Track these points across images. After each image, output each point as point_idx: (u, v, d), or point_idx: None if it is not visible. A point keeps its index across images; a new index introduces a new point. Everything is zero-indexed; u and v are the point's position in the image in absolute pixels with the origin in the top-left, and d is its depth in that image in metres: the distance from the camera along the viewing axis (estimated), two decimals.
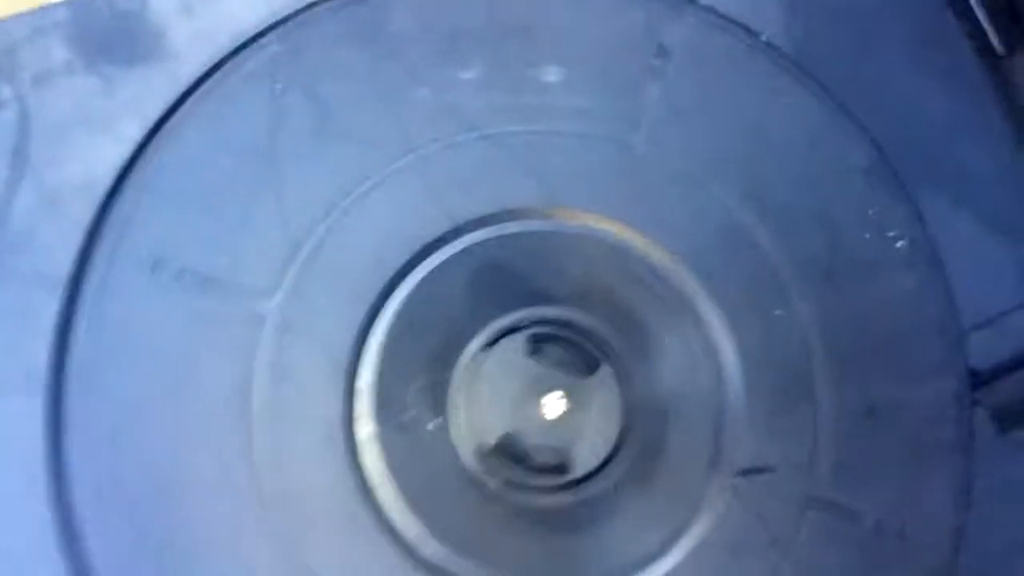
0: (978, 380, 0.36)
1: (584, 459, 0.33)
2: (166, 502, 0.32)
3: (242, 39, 0.34)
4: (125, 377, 0.33)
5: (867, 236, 0.36)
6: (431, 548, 0.33)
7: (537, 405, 0.33)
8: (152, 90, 0.34)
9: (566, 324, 0.35)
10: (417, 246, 0.33)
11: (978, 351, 0.36)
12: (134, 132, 0.33)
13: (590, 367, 0.34)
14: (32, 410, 0.32)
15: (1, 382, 0.32)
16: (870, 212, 0.36)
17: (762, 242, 0.35)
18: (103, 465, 0.32)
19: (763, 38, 0.37)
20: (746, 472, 0.34)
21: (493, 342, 0.34)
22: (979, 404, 0.36)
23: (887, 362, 0.36)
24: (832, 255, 0.36)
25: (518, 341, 0.34)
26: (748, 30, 0.37)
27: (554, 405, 0.33)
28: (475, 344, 0.34)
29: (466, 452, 0.34)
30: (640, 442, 0.34)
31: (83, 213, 0.33)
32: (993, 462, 0.37)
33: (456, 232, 0.34)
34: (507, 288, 0.35)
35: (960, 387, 0.36)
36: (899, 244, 0.36)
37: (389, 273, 0.33)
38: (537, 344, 0.34)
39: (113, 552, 0.31)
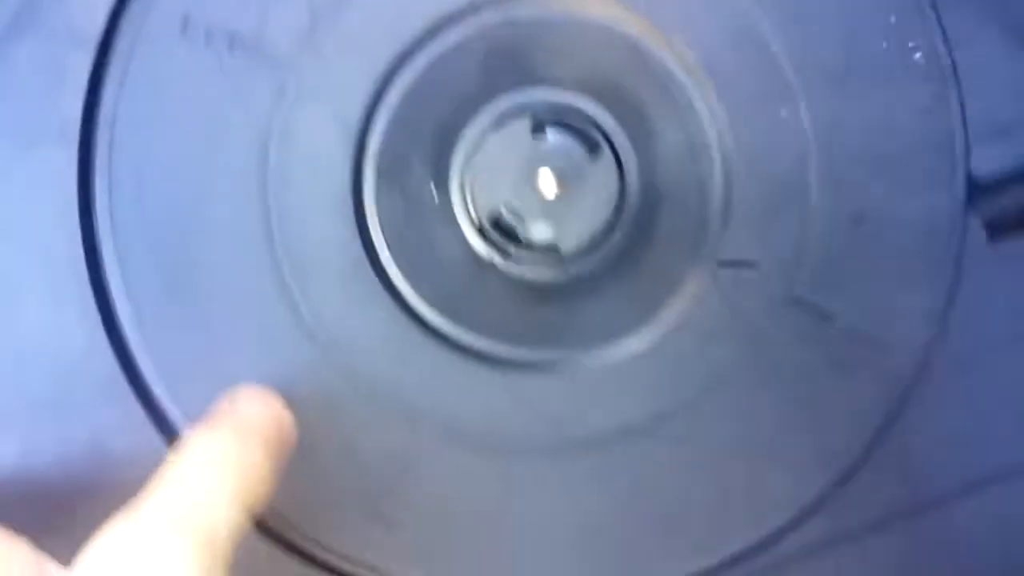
0: (975, 188, 0.37)
1: (576, 238, 0.35)
2: (186, 248, 0.34)
3: None
4: (153, 132, 0.34)
5: (885, 45, 0.36)
6: (427, 310, 0.35)
7: (535, 183, 0.34)
8: None
9: (571, 109, 0.35)
10: (433, 21, 0.34)
11: (980, 161, 0.37)
12: None
13: (591, 151, 0.35)
14: (64, 160, 0.34)
15: (35, 133, 0.34)
16: (891, 20, 0.36)
17: (775, 43, 0.35)
18: (129, 212, 0.34)
19: None
20: (728, 264, 0.36)
21: (499, 121, 0.35)
22: (972, 211, 0.37)
23: (885, 172, 0.36)
24: (846, 62, 0.36)
25: (523, 121, 0.35)
26: None
27: (552, 183, 0.34)
28: (481, 121, 0.35)
29: (465, 224, 0.35)
30: (631, 226, 0.36)
31: None
32: (979, 270, 0.37)
33: (474, 8, 0.34)
34: (518, 70, 0.35)
35: (955, 204, 0.36)
36: (917, 56, 0.36)
37: (403, 45, 0.34)
38: (541, 126, 0.35)
39: (134, 290, 0.34)
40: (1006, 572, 0.38)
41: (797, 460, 0.37)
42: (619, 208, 0.35)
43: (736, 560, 0.37)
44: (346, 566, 0.34)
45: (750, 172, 0.36)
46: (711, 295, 0.36)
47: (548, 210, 0.35)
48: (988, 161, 0.37)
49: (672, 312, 0.35)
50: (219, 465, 0.26)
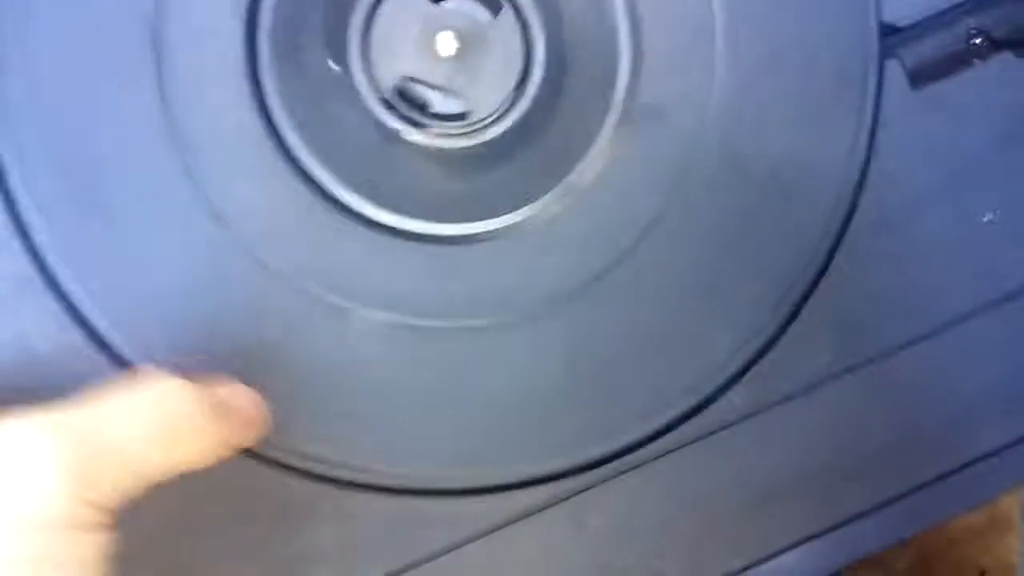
0: (893, 34, 0.35)
1: (485, 102, 0.34)
2: (83, 136, 0.34)
3: None
4: (39, 16, 0.33)
5: None
6: (337, 188, 0.34)
7: (437, 49, 0.33)
8: None
9: None
10: None
11: (896, 7, 0.35)
12: None
13: (493, 11, 0.34)
14: None
15: None
16: None
17: None
18: (21, 103, 0.33)
19: None
20: (641, 115, 0.35)
21: None
22: (895, 57, 0.36)
23: (797, 9, 0.35)
24: None
25: None
26: None
27: (454, 48, 0.33)
28: None
29: (369, 97, 0.34)
30: (541, 86, 0.34)
31: None
32: (903, 115, 0.36)
33: None
34: None
35: (870, 43, 0.35)
36: None
37: None
38: None
39: (34, 184, 0.33)
40: (940, 425, 0.38)
41: (727, 319, 0.37)
42: (527, 67, 0.34)
43: (670, 427, 0.37)
44: (275, 453, 0.35)
45: (656, 19, 0.34)
46: (626, 148, 0.35)
47: (454, 76, 0.34)
48: (905, 7, 0.36)
49: (589, 169, 0.35)
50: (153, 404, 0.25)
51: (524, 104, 0.34)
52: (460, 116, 0.35)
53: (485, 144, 0.35)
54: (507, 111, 0.35)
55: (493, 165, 0.36)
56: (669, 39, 0.34)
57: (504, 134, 0.35)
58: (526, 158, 0.35)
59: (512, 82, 0.34)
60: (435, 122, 0.35)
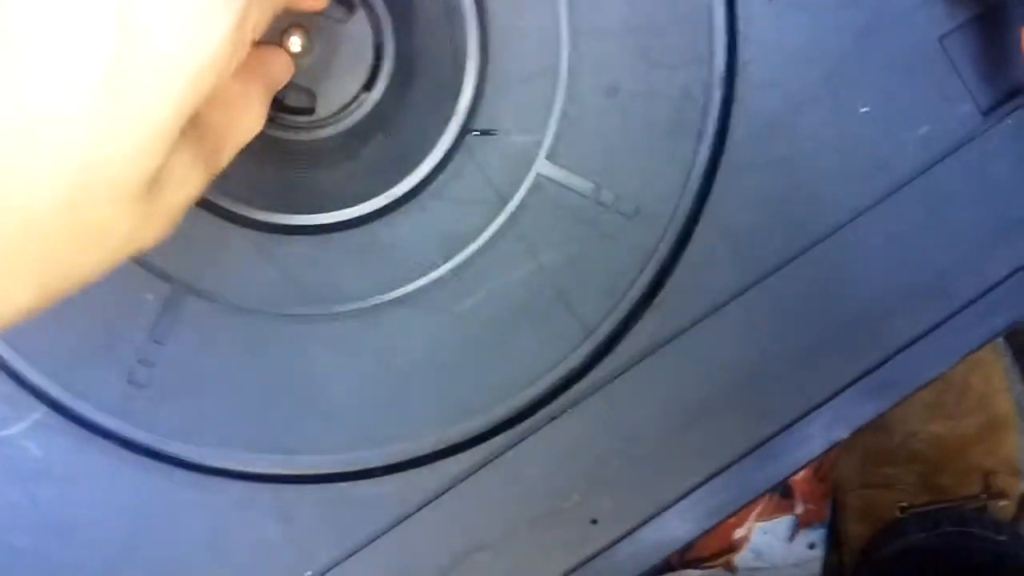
0: None
1: (331, 99, 0.34)
2: None
3: None
4: None
5: None
6: None
7: (288, 45, 0.34)
8: None
9: None
10: None
11: None
12: None
13: (347, 10, 0.34)
14: None
15: None
16: None
17: None
18: None
19: None
20: (480, 132, 0.35)
21: None
22: None
23: (638, 44, 0.35)
24: None
25: None
26: None
27: (301, 40, 0.34)
28: None
29: None
30: (386, 91, 0.35)
31: None
32: (763, 24, 0.37)
33: None
34: None
35: (708, 79, 0.35)
36: None
37: None
38: None
39: None
40: (852, 323, 0.38)
41: (614, 257, 0.37)
42: (375, 69, 0.35)
43: (588, 367, 0.38)
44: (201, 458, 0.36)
45: (504, 40, 0.35)
46: (463, 162, 0.36)
47: (304, 72, 0.35)
48: None
49: (428, 179, 0.35)
50: None
51: (370, 105, 0.35)
52: (308, 111, 0.35)
53: (330, 140, 0.35)
54: (353, 109, 0.35)
55: (336, 161, 0.36)
56: (516, 63, 0.35)
57: (349, 132, 0.35)
58: (365, 159, 0.36)
59: (360, 81, 0.35)
60: (283, 115, 0.35)
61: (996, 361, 0.81)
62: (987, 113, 0.38)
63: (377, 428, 0.36)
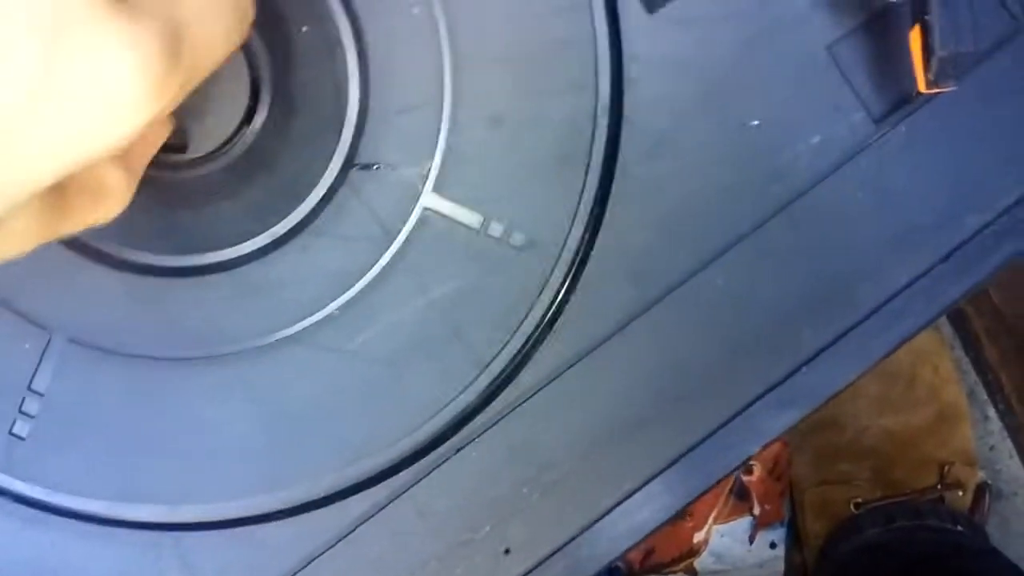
0: None
1: (206, 137, 0.34)
2: None
3: None
4: None
5: None
6: None
7: None
8: None
9: None
10: None
11: None
12: None
13: None
14: None
15: None
16: None
17: None
18: None
19: None
20: (363, 166, 0.35)
21: None
22: None
23: (520, 73, 0.35)
24: None
25: None
26: None
27: None
28: None
29: None
30: (265, 126, 0.34)
31: None
32: (647, 41, 0.36)
33: None
34: None
35: (594, 104, 0.35)
36: None
37: None
38: None
39: None
40: (759, 335, 0.38)
41: (509, 285, 0.37)
42: (253, 105, 0.34)
43: (493, 395, 0.37)
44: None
45: (385, 73, 0.34)
46: (349, 198, 0.35)
47: (179, 108, 0.34)
48: None
49: (311, 216, 0.35)
50: None
51: (248, 141, 0.34)
52: (180, 148, 0.34)
53: (206, 179, 0.35)
54: (230, 146, 0.34)
55: (217, 199, 0.35)
56: (398, 95, 0.35)
57: (227, 170, 0.34)
58: (251, 195, 0.35)
59: (236, 117, 0.34)
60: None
61: (944, 352, 0.81)
62: (879, 121, 0.37)
63: (274, 471, 0.36)
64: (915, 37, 0.35)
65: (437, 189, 0.35)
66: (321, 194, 0.34)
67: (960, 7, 0.34)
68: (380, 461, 0.36)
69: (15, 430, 0.34)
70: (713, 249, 0.37)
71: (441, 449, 0.37)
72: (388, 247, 0.35)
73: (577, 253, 0.36)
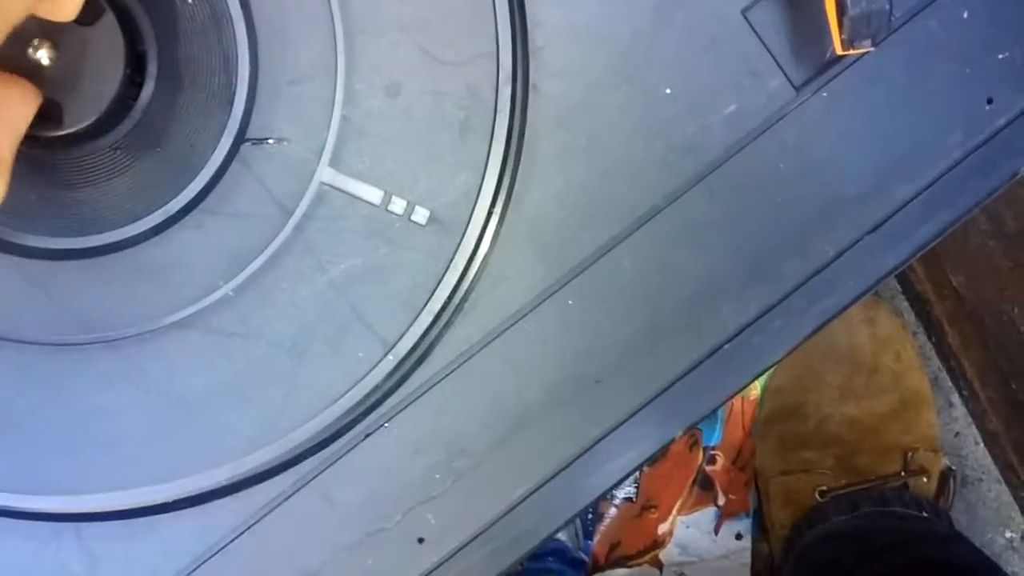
0: None
1: (80, 110, 0.32)
2: None
3: None
4: None
5: None
6: None
7: (28, 53, 0.31)
8: None
9: None
10: None
11: None
12: None
13: (93, 15, 0.32)
14: None
15: None
16: None
17: None
18: None
19: None
20: (255, 141, 0.33)
21: None
22: None
23: (418, 41, 0.33)
24: None
25: None
26: None
27: (44, 52, 0.31)
28: None
29: None
30: (152, 101, 0.33)
31: None
32: (551, 7, 0.35)
33: None
34: None
35: (496, 72, 0.33)
36: None
37: None
38: None
39: None
40: (678, 313, 0.36)
41: (411, 265, 0.35)
42: (138, 80, 0.33)
43: (402, 379, 0.36)
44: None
45: (275, 44, 0.33)
46: (242, 174, 0.33)
47: (48, 81, 0.32)
48: None
49: (203, 194, 0.33)
50: None
51: (136, 115, 0.33)
52: (55, 123, 0.32)
53: (96, 155, 0.33)
54: (114, 121, 0.33)
55: (106, 178, 0.34)
56: (289, 68, 0.33)
57: (117, 145, 0.33)
58: (129, 177, 0.34)
59: (112, 88, 0.32)
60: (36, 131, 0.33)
61: (906, 339, 0.80)
62: (801, 87, 0.36)
63: (174, 459, 0.34)
64: None
65: (334, 163, 0.34)
66: (213, 171, 0.33)
67: None
68: (285, 449, 0.35)
69: None
70: (627, 224, 0.36)
71: (348, 435, 0.36)
72: (284, 225, 0.34)
73: (484, 229, 0.34)
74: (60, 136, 0.32)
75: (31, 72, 0.31)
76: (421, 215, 0.34)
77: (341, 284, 0.34)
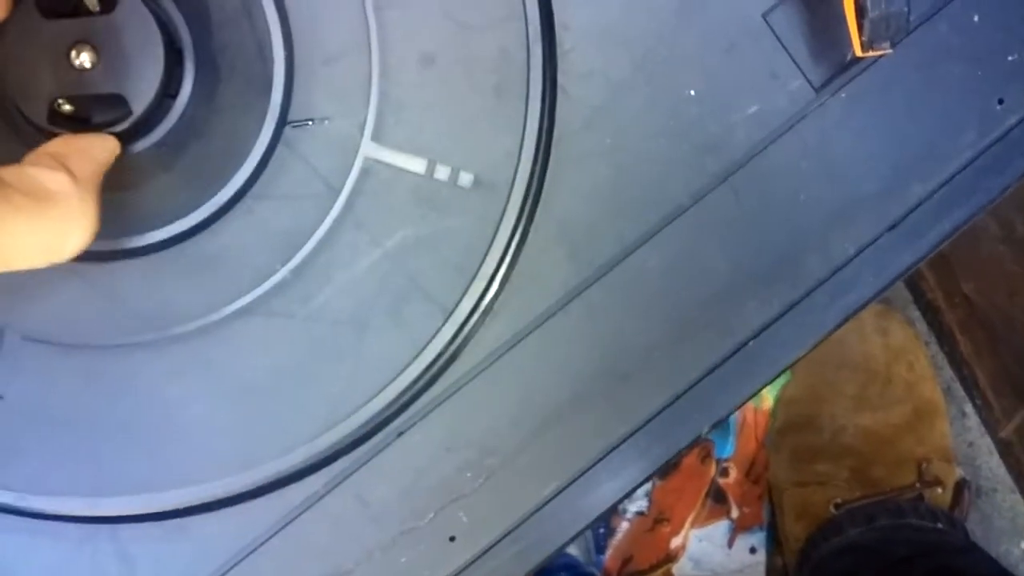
0: None
1: (141, 93, 0.33)
2: None
3: None
4: None
5: None
6: None
7: (70, 61, 0.32)
8: None
9: None
10: None
11: None
12: None
13: (107, 5, 0.33)
14: None
15: None
16: None
17: None
18: None
19: None
20: (296, 123, 0.34)
21: None
22: None
23: (445, 8, 0.34)
24: None
25: (28, 3, 0.32)
26: None
27: (85, 52, 0.32)
28: None
29: (26, 128, 0.33)
30: (192, 95, 0.34)
31: None
32: (578, 9, 0.36)
33: None
34: None
35: (525, 30, 0.34)
36: None
37: None
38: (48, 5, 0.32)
39: None
40: (703, 310, 0.37)
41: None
42: (177, 75, 0.33)
43: (434, 378, 0.36)
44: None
45: (307, 25, 0.34)
46: (287, 157, 0.34)
47: (100, 80, 0.33)
48: None
49: (251, 180, 0.34)
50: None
51: (178, 109, 0.34)
52: (122, 119, 0.33)
53: (143, 153, 0.34)
54: (162, 117, 0.34)
55: (153, 176, 0.35)
56: (322, 47, 0.34)
57: (162, 141, 0.34)
58: (186, 166, 0.35)
59: (159, 72, 0.33)
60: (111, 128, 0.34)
61: (919, 349, 0.80)
62: (820, 88, 0.37)
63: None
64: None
65: (376, 138, 0.34)
66: (259, 157, 0.34)
67: None
68: (318, 448, 0.35)
69: None
70: (654, 223, 0.36)
71: (381, 434, 0.36)
72: (334, 203, 0.34)
73: (528, 188, 0.35)
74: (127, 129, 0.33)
75: (81, 81, 0.32)
76: (466, 179, 0.35)
77: (396, 255, 0.34)
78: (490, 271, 0.35)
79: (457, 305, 0.35)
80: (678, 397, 0.37)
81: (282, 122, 0.34)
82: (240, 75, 0.34)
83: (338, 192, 0.34)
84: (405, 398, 0.36)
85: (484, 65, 0.34)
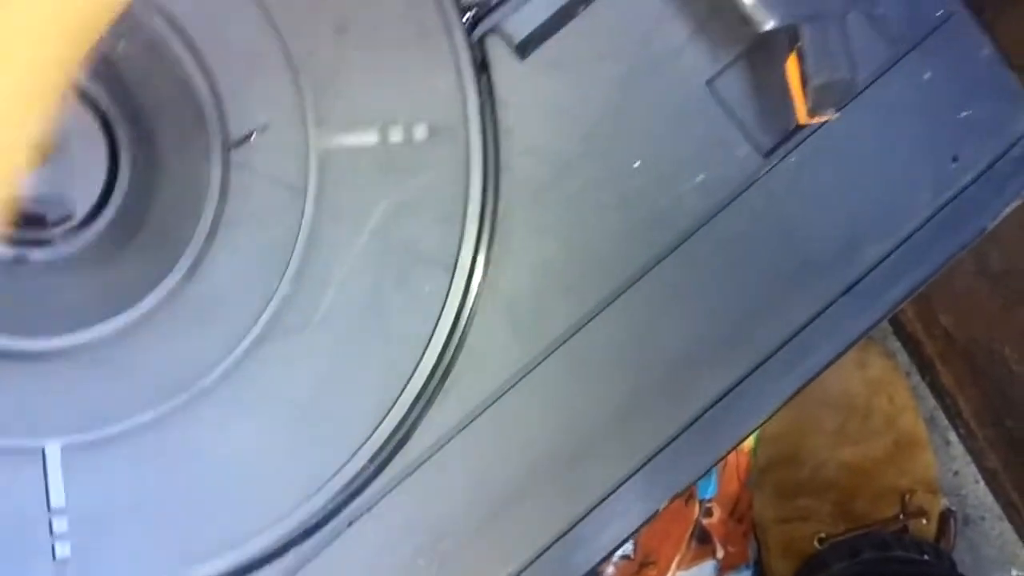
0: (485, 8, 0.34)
1: (87, 189, 0.32)
2: None
3: None
4: None
5: None
6: None
7: None
8: None
9: None
10: None
11: None
12: None
13: None
14: None
15: None
16: None
17: None
18: None
19: None
20: (239, 142, 0.33)
21: None
22: (494, 32, 0.35)
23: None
24: None
25: None
26: None
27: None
28: None
29: None
30: (131, 160, 0.33)
31: None
32: (519, 88, 0.35)
33: None
34: None
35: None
36: None
37: None
38: None
39: None
40: (659, 384, 0.36)
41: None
42: (112, 147, 0.33)
43: (381, 466, 0.35)
44: None
45: (217, 43, 0.33)
46: (245, 178, 0.33)
47: (50, 179, 0.32)
48: None
49: (218, 215, 0.33)
50: None
51: (125, 179, 0.33)
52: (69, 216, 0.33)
53: (104, 233, 0.33)
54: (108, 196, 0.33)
55: (120, 249, 0.34)
56: (237, 54, 0.33)
57: (114, 217, 0.33)
58: (149, 230, 0.34)
59: (103, 161, 0.32)
60: (56, 231, 0.33)
61: (899, 380, 0.79)
62: (768, 154, 0.36)
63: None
64: (791, 67, 0.34)
65: (320, 124, 0.34)
66: (217, 190, 0.33)
67: (831, 34, 0.33)
68: (267, 542, 0.34)
69: (58, 556, 0.32)
70: (603, 297, 0.36)
71: (331, 524, 0.35)
72: (304, 203, 0.33)
73: (483, 126, 0.34)
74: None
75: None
76: (421, 132, 0.34)
77: (382, 230, 0.34)
78: (476, 213, 0.34)
79: (458, 259, 0.34)
80: (635, 472, 0.36)
81: (226, 148, 0.33)
82: (173, 120, 0.33)
83: (304, 192, 0.33)
84: (355, 485, 0.35)
85: (398, 13, 0.33)
